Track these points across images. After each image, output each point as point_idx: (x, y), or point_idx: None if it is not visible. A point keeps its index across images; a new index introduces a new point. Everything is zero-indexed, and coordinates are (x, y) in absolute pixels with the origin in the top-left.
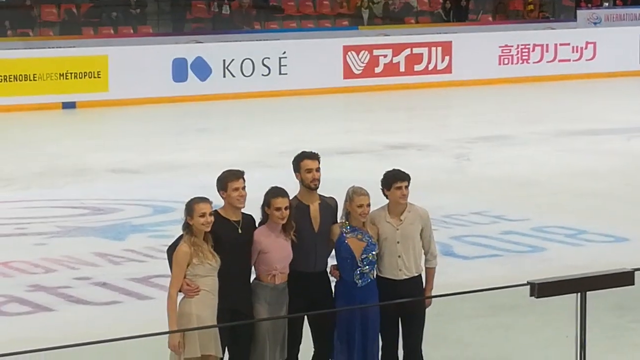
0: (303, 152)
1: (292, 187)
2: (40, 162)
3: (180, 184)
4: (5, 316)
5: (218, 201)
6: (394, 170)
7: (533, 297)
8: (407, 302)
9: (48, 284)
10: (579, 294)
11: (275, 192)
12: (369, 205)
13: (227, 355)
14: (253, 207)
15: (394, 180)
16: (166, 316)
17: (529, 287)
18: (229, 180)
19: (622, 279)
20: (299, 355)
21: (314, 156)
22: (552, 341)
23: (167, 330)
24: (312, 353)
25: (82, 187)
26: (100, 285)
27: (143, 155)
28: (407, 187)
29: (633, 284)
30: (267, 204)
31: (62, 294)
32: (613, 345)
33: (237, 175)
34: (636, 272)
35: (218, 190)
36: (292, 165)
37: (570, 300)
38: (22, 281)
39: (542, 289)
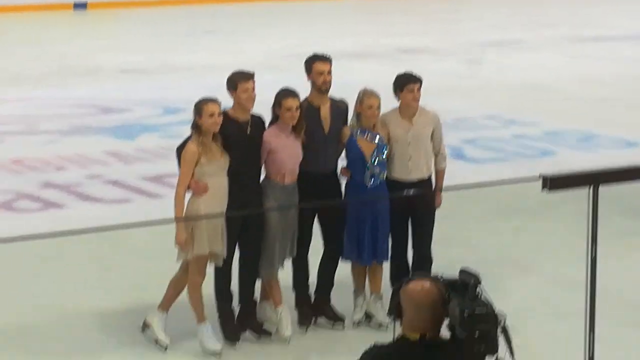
0: (315, 54)
1: (302, 90)
2: (51, 61)
3: (190, 85)
4: (17, 213)
5: (227, 102)
6: (406, 72)
7: (544, 195)
8: (417, 203)
9: (59, 182)
10: (590, 187)
11: (286, 93)
12: (379, 107)
13: (238, 254)
14: (262, 109)
15: (406, 82)
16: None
17: (540, 180)
18: (239, 81)
19: (635, 172)
20: (309, 254)
21: (326, 59)
22: (562, 244)
23: (175, 228)
24: (322, 252)
25: (93, 86)
26: (111, 183)
27: (153, 56)
28: (419, 89)
29: None
30: (277, 104)
31: (73, 192)
32: (626, 246)
33: (247, 76)
34: None
35: (228, 90)
36: (303, 67)
37: (581, 203)
38: (33, 178)
39: (554, 182)
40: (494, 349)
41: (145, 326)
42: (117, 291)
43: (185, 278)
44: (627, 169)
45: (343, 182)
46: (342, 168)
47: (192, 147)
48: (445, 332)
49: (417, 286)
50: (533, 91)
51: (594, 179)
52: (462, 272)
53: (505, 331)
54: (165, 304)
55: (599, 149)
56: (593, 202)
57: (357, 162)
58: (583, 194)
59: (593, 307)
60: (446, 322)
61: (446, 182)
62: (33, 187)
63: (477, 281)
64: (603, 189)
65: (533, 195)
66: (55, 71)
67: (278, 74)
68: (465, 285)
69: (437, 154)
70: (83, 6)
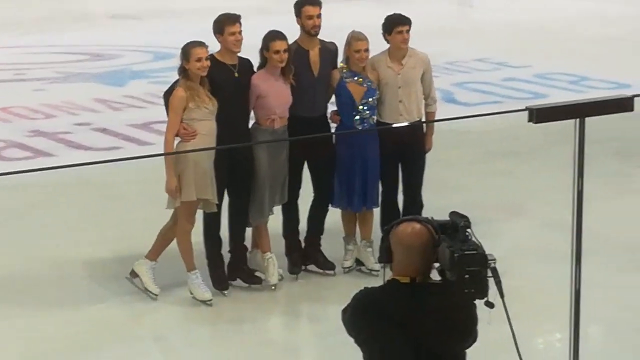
0: None
1: (291, 33)
2: (38, 7)
3: (180, 30)
4: (5, 161)
5: (215, 47)
6: (395, 14)
7: (534, 138)
8: (407, 147)
9: (48, 130)
10: (577, 120)
11: (274, 35)
12: (367, 50)
13: (227, 199)
14: (250, 54)
15: (395, 24)
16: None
17: (527, 112)
18: (226, 24)
19: (622, 104)
20: (299, 200)
21: (316, 2)
22: (552, 186)
23: (165, 176)
24: (312, 198)
25: (82, 33)
26: (99, 131)
27: (143, 1)
28: (408, 31)
29: (632, 109)
30: (265, 47)
31: (62, 140)
32: (614, 191)
33: (234, 19)
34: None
35: (214, 34)
36: (292, 10)
37: (571, 148)
38: (22, 126)
39: (540, 114)
40: (484, 292)
41: (133, 275)
42: (106, 240)
43: (174, 227)
44: (613, 100)
45: (333, 127)
46: (331, 113)
47: (179, 92)
48: (435, 277)
49: (407, 228)
50: (526, 32)
51: (581, 111)
52: (452, 214)
53: (494, 272)
54: (154, 253)
55: (591, 91)
56: (580, 135)
57: (346, 105)
58: (574, 136)
59: (579, 242)
60: (436, 266)
61: (437, 125)
62: (22, 135)
63: (467, 223)
64: (593, 132)
65: (523, 137)
66: (44, 17)
67: (267, 17)
68: (455, 228)
69: (428, 97)
70: None
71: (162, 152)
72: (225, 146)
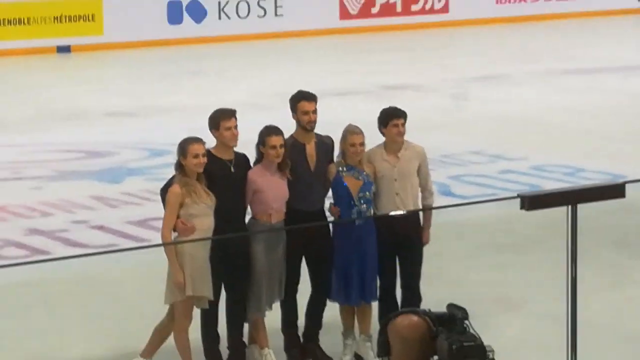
0: (300, 92)
1: (288, 128)
2: (35, 106)
3: (176, 126)
4: (3, 260)
5: (212, 142)
6: (390, 107)
7: (530, 231)
8: (404, 240)
9: (45, 228)
10: (569, 207)
11: (270, 130)
12: (362, 144)
13: (225, 296)
14: (247, 149)
15: (391, 117)
16: (161, 258)
17: (519, 200)
18: (221, 119)
19: (613, 191)
20: (297, 296)
21: (311, 97)
22: (548, 278)
23: (169, 274)
24: (310, 293)
25: (78, 130)
26: (97, 229)
27: (138, 98)
28: (403, 124)
29: (624, 196)
30: (261, 142)
31: (59, 238)
32: (611, 282)
33: (229, 114)
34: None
35: (210, 129)
36: (289, 105)
37: (564, 241)
38: (19, 225)
39: (532, 202)
40: None
41: None
42: (102, 337)
43: (171, 324)
44: (604, 187)
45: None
46: (330, 204)
47: (175, 188)
48: None
49: (405, 320)
50: (519, 125)
51: (572, 198)
52: (450, 306)
53: None
54: (150, 351)
55: (587, 182)
56: (572, 221)
57: (344, 199)
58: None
59: (575, 331)
60: (435, 358)
61: (435, 218)
62: (19, 234)
63: (465, 315)
64: (589, 221)
65: (519, 230)
66: (40, 116)
67: (264, 113)
68: (453, 320)
69: (424, 189)
70: (67, 49)
71: (161, 248)
72: (221, 236)
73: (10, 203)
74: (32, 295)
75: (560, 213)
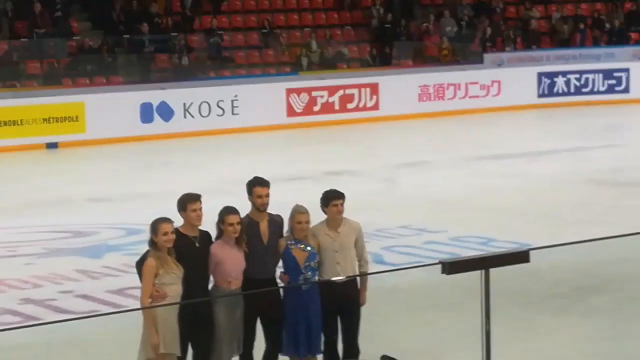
0: (255, 179)
1: (244, 208)
2: (27, 194)
3: (148, 209)
4: (1, 325)
5: (178, 221)
6: (331, 190)
7: (453, 293)
8: (345, 302)
9: (36, 297)
10: (483, 271)
11: (228, 210)
12: (307, 221)
13: (190, 352)
14: (211, 227)
15: (331, 198)
16: (136, 322)
17: (440, 265)
18: (188, 202)
19: (519, 257)
20: (253, 351)
21: (264, 183)
22: (466, 333)
23: (143, 335)
24: (264, 348)
25: (64, 214)
26: (81, 297)
27: (116, 186)
28: (342, 204)
29: (528, 261)
30: (221, 220)
31: (48, 306)
32: (520, 336)
33: (195, 197)
34: (531, 252)
35: (178, 211)
36: (245, 189)
37: (479, 301)
38: (14, 295)
39: (452, 267)
40: None
41: None
42: None
43: None
44: (512, 254)
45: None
46: (281, 273)
47: (150, 262)
48: None
49: None
50: (440, 203)
51: (485, 263)
52: (384, 357)
53: None
54: None
55: (497, 250)
56: (485, 283)
57: (292, 268)
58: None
59: None
60: None
61: (369, 283)
62: (14, 303)
63: None
64: (498, 285)
65: (442, 292)
66: (32, 202)
67: (224, 196)
68: None
69: (361, 258)
70: (54, 145)
71: (138, 314)
72: (188, 301)
73: (6, 277)
74: (26, 357)
75: (475, 277)
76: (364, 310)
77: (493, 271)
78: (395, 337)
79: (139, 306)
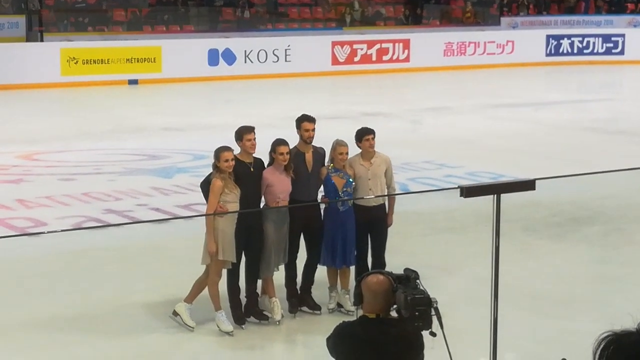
0: (304, 115)
1: (292, 140)
2: (111, 122)
3: (212, 139)
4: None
5: (237, 149)
6: (363, 127)
7: (468, 218)
8: (375, 222)
9: (117, 209)
10: (494, 196)
11: (279, 141)
12: (346, 153)
13: (244, 259)
14: (264, 155)
15: (364, 133)
16: (199, 231)
17: (458, 189)
18: (244, 133)
19: (526, 185)
20: (296, 260)
21: (311, 119)
22: (478, 253)
23: (205, 242)
24: (306, 258)
25: (142, 140)
26: (154, 210)
27: (186, 117)
28: (373, 138)
29: (534, 189)
30: (273, 150)
31: (126, 216)
32: (523, 256)
33: (250, 129)
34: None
35: (235, 141)
36: (294, 124)
37: (490, 224)
38: (99, 206)
39: (469, 191)
40: (429, 325)
41: (175, 314)
42: (155, 288)
43: (206, 279)
44: (519, 182)
45: (322, 207)
46: (322, 196)
47: (218, 182)
48: (393, 314)
49: (374, 278)
50: (459, 143)
51: (497, 189)
52: (406, 269)
53: (437, 311)
54: (191, 297)
55: None
56: (496, 207)
57: (332, 192)
58: (492, 208)
59: (496, 288)
60: (394, 306)
61: (396, 208)
62: (98, 212)
63: (417, 276)
64: (506, 214)
65: (457, 217)
66: (115, 129)
67: (275, 130)
68: (408, 279)
69: (389, 186)
70: (135, 82)
71: (203, 225)
72: (243, 210)
73: (92, 190)
74: (111, 255)
75: (487, 205)
76: (390, 230)
77: (503, 202)
78: (417, 253)
79: (206, 219)
